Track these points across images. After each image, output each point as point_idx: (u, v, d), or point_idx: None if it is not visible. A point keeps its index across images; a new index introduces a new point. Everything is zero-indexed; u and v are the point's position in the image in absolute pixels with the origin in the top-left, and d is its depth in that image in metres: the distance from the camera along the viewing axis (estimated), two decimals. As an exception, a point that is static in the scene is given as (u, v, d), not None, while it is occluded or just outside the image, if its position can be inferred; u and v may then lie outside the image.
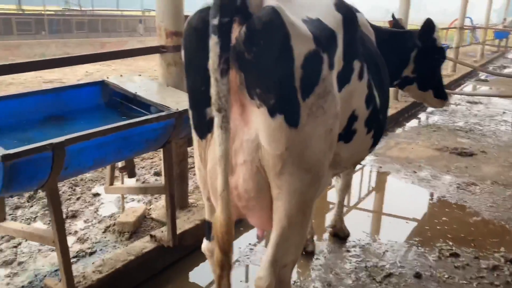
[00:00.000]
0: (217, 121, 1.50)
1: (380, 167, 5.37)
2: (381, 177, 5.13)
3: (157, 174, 4.72)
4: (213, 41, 1.44)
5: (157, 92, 3.03)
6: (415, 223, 3.96)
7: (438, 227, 3.86)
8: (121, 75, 3.16)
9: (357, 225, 3.82)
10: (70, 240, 3.37)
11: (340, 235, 3.62)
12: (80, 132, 2.17)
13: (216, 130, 1.51)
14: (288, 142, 1.61)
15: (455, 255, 3.39)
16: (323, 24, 1.77)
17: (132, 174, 3.07)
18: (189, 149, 3.62)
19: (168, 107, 2.68)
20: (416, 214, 4.12)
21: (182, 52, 1.73)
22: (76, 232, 3.52)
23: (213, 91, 1.48)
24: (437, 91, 3.46)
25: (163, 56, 3.22)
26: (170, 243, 2.97)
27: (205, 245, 2.04)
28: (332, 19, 1.85)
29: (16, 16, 21.21)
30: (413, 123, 7.86)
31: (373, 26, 2.89)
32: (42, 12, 22.16)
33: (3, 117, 2.50)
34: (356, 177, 4.88)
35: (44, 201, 3.93)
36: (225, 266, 1.64)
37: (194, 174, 4.61)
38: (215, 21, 1.43)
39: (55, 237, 2.25)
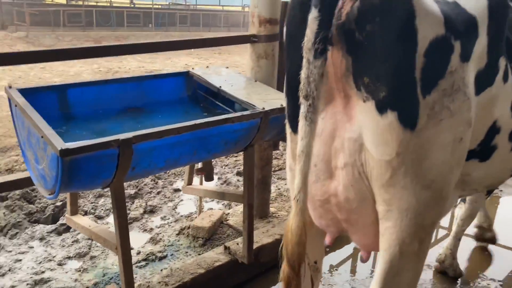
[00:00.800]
0: (302, 110, 1.27)
1: (501, 190, 4.49)
2: (498, 202, 4.26)
3: (240, 174, 4.42)
4: (312, 15, 1.22)
5: (244, 87, 2.68)
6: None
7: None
8: (207, 67, 2.87)
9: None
10: (144, 238, 3.21)
11: (449, 273, 2.97)
12: (151, 129, 1.89)
13: (301, 121, 1.28)
14: (400, 147, 1.29)
15: None
16: (461, 7, 1.43)
17: (209, 178, 2.77)
18: (274, 152, 3.24)
19: (254, 105, 2.31)
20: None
21: (284, 29, 1.47)
22: (151, 229, 3.35)
23: (303, 74, 1.26)
24: None
25: (254, 47, 2.85)
26: (245, 260, 2.61)
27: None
28: (474, 2, 1.48)
29: (127, 9, 22.74)
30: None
31: None
32: (150, 6, 23.54)
33: (78, 104, 2.33)
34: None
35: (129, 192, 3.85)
36: (291, 283, 1.36)
37: (278, 178, 4.23)
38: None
39: (117, 244, 2.00)
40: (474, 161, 1.65)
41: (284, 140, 1.78)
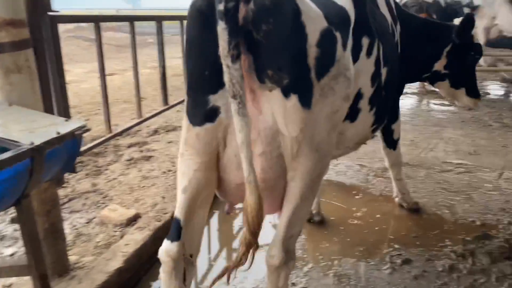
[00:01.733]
0: (234, 108, 1.45)
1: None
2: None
3: (15, 221, 3.44)
4: (221, 27, 1.37)
5: (-6, 116, 1.91)
6: (353, 227, 3.47)
7: (376, 228, 3.43)
8: None
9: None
10: None
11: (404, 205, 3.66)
12: None
13: (235, 117, 1.46)
14: (302, 123, 1.57)
15: (407, 261, 2.96)
16: (333, 2, 1.74)
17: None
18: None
19: (15, 141, 1.63)
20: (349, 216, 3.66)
21: (185, 36, 1.67)
22: None
23: (226, 78, 1.42)
24: (470, 90, 3.34)
25: (-2, 59, 2.07)
26: None
27: (164, 246, 1.78)
28: None
29: None
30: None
31: (400, 9, 2.94)
32: None
33: None
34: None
35: None
36: (252, 245, 1.65)
37: (71, 212, 3.47)
38: (221, 6, 1.35)
39: None
40: (346, 122, 2.00)
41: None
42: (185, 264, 1.80)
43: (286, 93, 1.51)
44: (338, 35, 1.63)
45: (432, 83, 3.40)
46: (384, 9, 2.55)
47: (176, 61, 6.46)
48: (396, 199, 3.77)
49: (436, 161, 4.80)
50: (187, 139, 1.67)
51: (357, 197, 3.99)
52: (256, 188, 1.52)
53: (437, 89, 3.59)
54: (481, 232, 3.30)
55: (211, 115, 1.58)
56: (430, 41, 3.13)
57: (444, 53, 3.18)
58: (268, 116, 1.55)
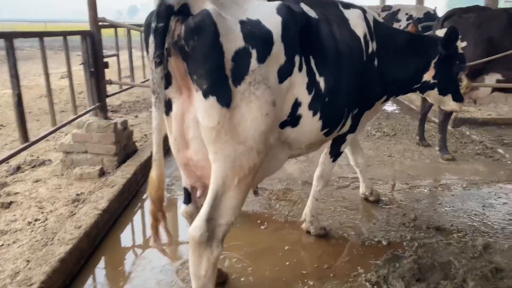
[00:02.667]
0: (153, 101, 1.92)
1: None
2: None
3: None
4: (151, 40, 1.87)
5: None
6: (263, 266, 3.13)
7: (287, 263, 3.15)
8: None
9: None
10: None
11: (311, 231, 3.55)
12: None
13: (152, 108, 1.94)
14: (220, 118, 2.01)
15: (326, 299, 2.72)
16: (261, 25, 2.11)
17: None
18: None
19: None
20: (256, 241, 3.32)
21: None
22: None
23: (150, 77, 1.91)
24: (455, 95, 3.59)
25: None
26: None
27: (183, 209, 2.56)
28: (271, 20, 2.16)
29: None
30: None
31: (382, 27, 3.14)
32: None
33: None
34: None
35: None
36: (158, 216, 2.03)
37: None
38: (152, 25, 1.86)
39: None
40: (288, 128, 2.41)
41: None
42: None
43: (205, 95, 1.98)
44: (254, 51, 2.04)
45: (422, 92, 3.59)
46: (348, 28, 2.82)
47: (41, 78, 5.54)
48: (303, 225, 3.56)
49: (333, 176, 4.77)
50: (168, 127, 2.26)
51: (262, 227, 3.68)
52: (160, 166, 1.97)
53: (426, 97, 3.78)
54: (389, 253, 3.22)
55: (167, 108, 2.15)
56: (418, 55, 3.33)
57: (432, 64, 3.38)
58: (195, 109, 2.05)
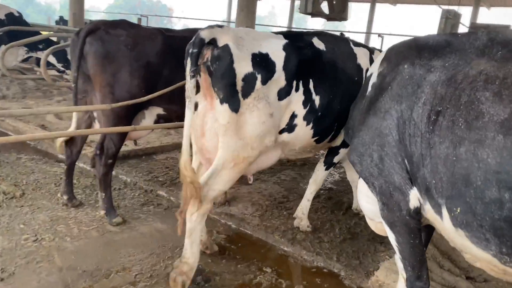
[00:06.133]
0: (186, 104, 2.89)
1: None
2: None
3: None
4: (188, 61, 2.87)
5: None
6: None
7: None
8: None
9: None
10: None
11: (300, 228, 4.25)
12: None
13: (186, 110, 2.89)
14: (229, 119, 2.92)
15: None
16: (269, 57, 3.05)
17: None
18: None
19: None
20: None
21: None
22: None
23: (186, 87, 2.87)
24: None
25: None
26: None
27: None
28: (277, 54, 3.12)
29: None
30: None
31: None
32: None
33: None
34: None
35: None
36: (192, 197, 2.95)
37: None
38: (190, 51, 2.87)
39: None
40: (285, 133, 3.33)
41: None
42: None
43: (221, 102, 2.91)
44: (259, 76, 2.97)
45: None
46: (353, 61, 3.75)
47: None
48: (295, 221, 4.36)
49: None
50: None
51: None
52: (186, 153, 2.89)
53: None
54: None
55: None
56: None
57: None
58: (214, 111, 2.97)
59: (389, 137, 2.37)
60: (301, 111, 3.31)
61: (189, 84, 2.81)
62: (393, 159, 2.36)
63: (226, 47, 2.85)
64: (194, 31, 5.15)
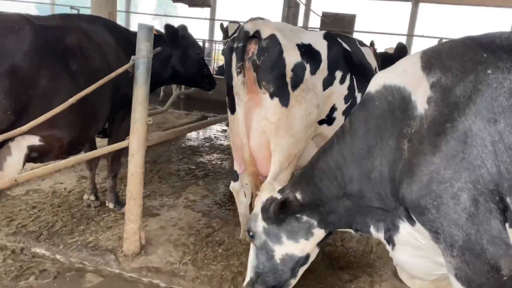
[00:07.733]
0: (236, 100, 2.99)
1: None
2: None
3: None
4: (234, 56, 2.89)
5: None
6: None
7: None
8: None
9: None
10: None
11: None
12: None
13: (237, 106, 3.00)
14: (280, 115, 2.91)
15: None
16: (312, 47, 3.07)
17: None
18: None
19: None
20: None
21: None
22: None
23: (234, 83, 2.93)
24: None
25: None
26: None
27: (232, 185, 3.58)
28: (319, 44, 3.15)
29: None
30: None
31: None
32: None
33: None
34: None
35: None
36: (255, 173, 3.19)
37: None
38: (234, 45, 2.87)
39: None
40: (324, 125, 3.31)
41: None
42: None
43: (271, 96, 2.89)
44: (307, 65, 2.98)
45: None
46: (365, 59, 3.73)
47: None
48: None
49: None
50: (232, 120, 3.28)
51: None
52: (247, 146, 3.07)
53: None
54: None
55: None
56: None
57: None
58: (261, 108, 2.97)
59: (483, 170, 1.72)
60: (341, 105, 3.34)
61: (237, 80, 2.90)
62: (490, 199, 1.72)
63: (273, 37, 2.87)
64: (67, 18, 3.70)
